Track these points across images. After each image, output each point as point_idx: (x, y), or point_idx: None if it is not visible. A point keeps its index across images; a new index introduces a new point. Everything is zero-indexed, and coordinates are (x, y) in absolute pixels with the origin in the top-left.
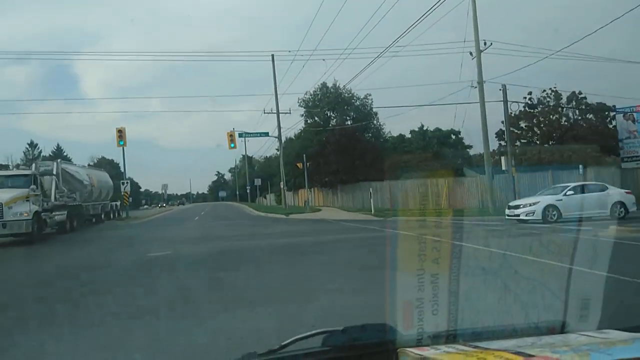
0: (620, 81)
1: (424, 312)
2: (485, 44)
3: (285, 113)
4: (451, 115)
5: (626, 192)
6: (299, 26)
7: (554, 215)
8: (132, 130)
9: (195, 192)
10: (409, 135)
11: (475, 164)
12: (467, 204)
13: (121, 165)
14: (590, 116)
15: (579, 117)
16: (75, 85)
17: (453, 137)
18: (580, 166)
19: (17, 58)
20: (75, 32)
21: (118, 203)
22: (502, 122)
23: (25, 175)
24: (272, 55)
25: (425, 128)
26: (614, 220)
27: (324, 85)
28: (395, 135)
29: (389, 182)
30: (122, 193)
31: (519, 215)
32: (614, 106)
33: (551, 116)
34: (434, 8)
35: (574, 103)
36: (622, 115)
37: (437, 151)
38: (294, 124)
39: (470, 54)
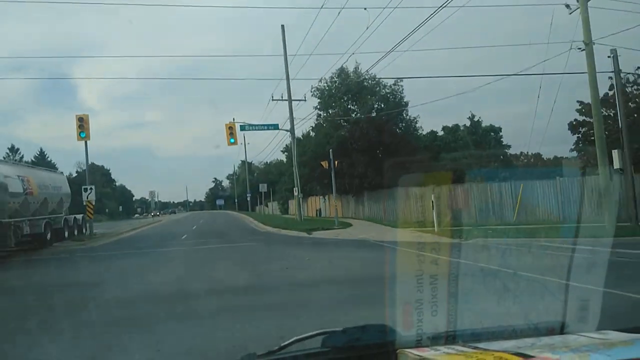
0: None
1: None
2: None
3: (299, 100)
4: (480, 109)
5: None
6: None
7: None
8: (127, 137)
9: (192, 200)
10: (441, 132)
11: (520, 165)
12: (542, 214)
13: (112, 171)
14: None
15: None
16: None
17: (492, 134)
18: None
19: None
20: (71, 39)
21: (81, 216)
22: (578, 110)
23: None
24: (282, 26)
25: (476, 119)
26: None
27: (342, 71)
28: (425, 132)
29: (437, 188)
30: (85, 203)
31: None
32: None
33: None
34: None
35: None
36: None
37: (482, 150)
38: (307, 115)
39: (567, 6)
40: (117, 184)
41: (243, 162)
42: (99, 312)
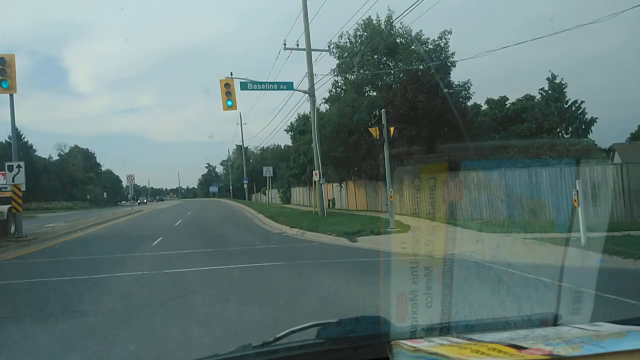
0: None
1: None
2: None
3: (323, 51)
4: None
5: None
6: None
7: None
8: (118, 122)
9: (185, 187)
10: (485, 106)
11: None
12: None
13: (97, 155)
14: None
15: None
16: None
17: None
18: None
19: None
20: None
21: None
22: None
23: None
24: None
25: (560, 80)
26: None
27: (368, 22)
28: (480, 103)
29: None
30: (9, 190)
31: None
32: None
33: None
34: None
35: None
36: None
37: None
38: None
39: None
40: (102, 168)
41: (238, 146)
42: None
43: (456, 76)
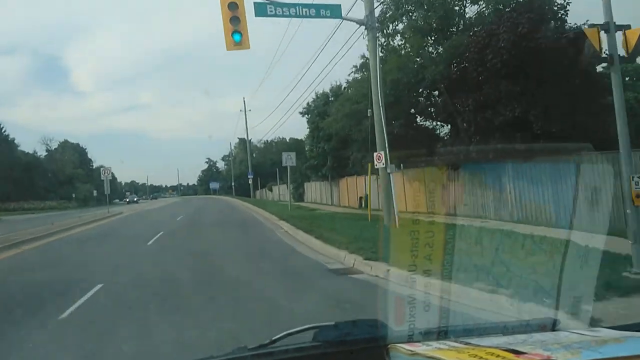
0: None
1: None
2: None
3: None
4: None
5: None
6: None
7: None
8: (117, 119)
9: (186, 184)
10: None
11: None
12: None
13: (90, 151)
14: None
15: None
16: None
17: None
18: None
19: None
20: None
21: None
22: None
23: None
24: None
25: None
26: None
27: None
28: None
29: None
30: None
31: None
32: None
33: None
34: None
35: None
36: None
37: None
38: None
39: None
40: (94, 165)
41: (240, 139)
42: None
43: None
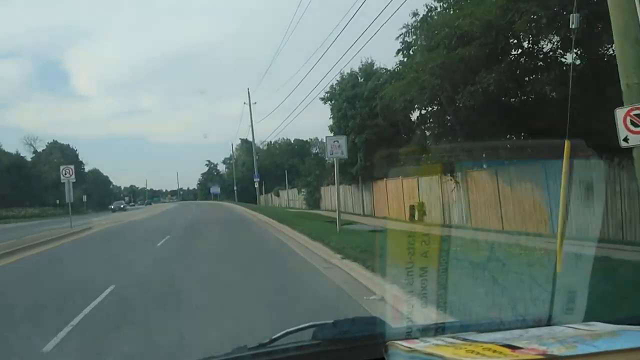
0: None
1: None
2: None
3: None
4: None
5: None
6: None
7: None
8: (117, 124)
9: (186, 188)
10: None
11: None
12: None
13: (80, 153)
14: None
15: None
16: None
17: None
18: None
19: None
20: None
21: None
22: None
23: None
24: None
25: None
26: None
27: None
28: None
29: None
30: None
31: None
32: None
33: None
34: None
35: None
36: None
37: None
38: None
39: None
40: (86, 168)
41: (243, 140)
42: None
43: None
